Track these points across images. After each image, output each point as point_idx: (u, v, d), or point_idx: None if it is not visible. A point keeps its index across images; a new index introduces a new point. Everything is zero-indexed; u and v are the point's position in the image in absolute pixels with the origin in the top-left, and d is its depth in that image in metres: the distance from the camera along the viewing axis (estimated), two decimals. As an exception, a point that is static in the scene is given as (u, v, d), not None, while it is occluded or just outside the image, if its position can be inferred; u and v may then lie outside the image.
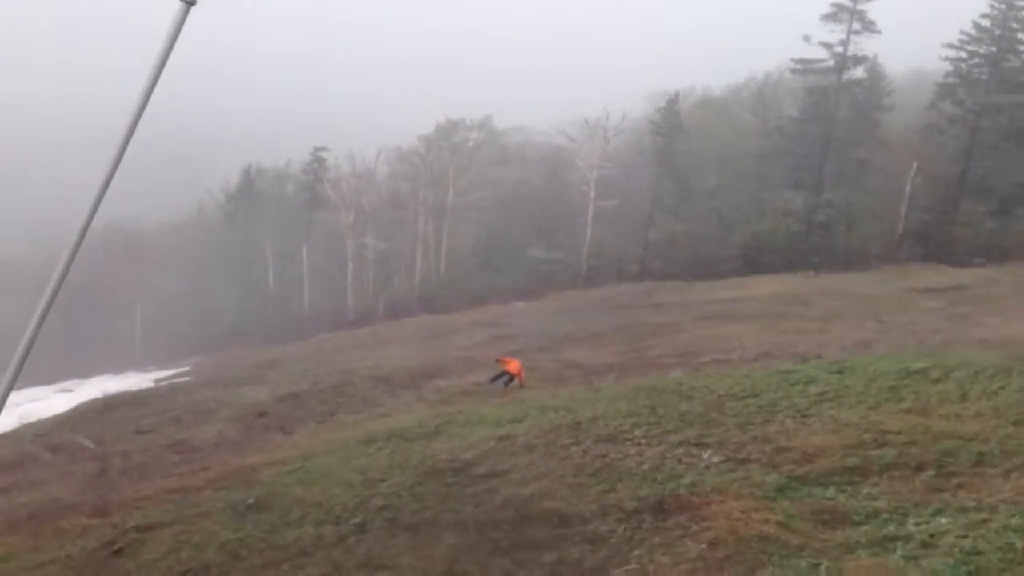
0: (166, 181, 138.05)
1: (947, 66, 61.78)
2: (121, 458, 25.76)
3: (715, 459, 15.14)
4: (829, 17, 61.44)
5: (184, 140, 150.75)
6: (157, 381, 60.40)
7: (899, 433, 14.44)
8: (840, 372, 19.64)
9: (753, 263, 61.00)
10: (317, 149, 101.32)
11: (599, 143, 72.72)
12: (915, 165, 57.04)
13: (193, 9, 3.56)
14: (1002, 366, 18.42)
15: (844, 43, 61.47)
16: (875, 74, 63.37)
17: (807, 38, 62.32)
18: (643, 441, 16.46)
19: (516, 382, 28.73)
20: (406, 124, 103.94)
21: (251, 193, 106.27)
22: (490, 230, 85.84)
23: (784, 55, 77.73)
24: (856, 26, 60.78)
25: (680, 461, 15.04)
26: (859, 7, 60.42)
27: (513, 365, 29.82)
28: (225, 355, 76.05)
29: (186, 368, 71.66)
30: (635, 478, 14.24)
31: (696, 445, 15.78)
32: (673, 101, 69.23)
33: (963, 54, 59.23)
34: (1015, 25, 57.10)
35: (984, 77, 58.10)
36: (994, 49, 57.87)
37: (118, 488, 22.25)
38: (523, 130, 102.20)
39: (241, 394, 33.34)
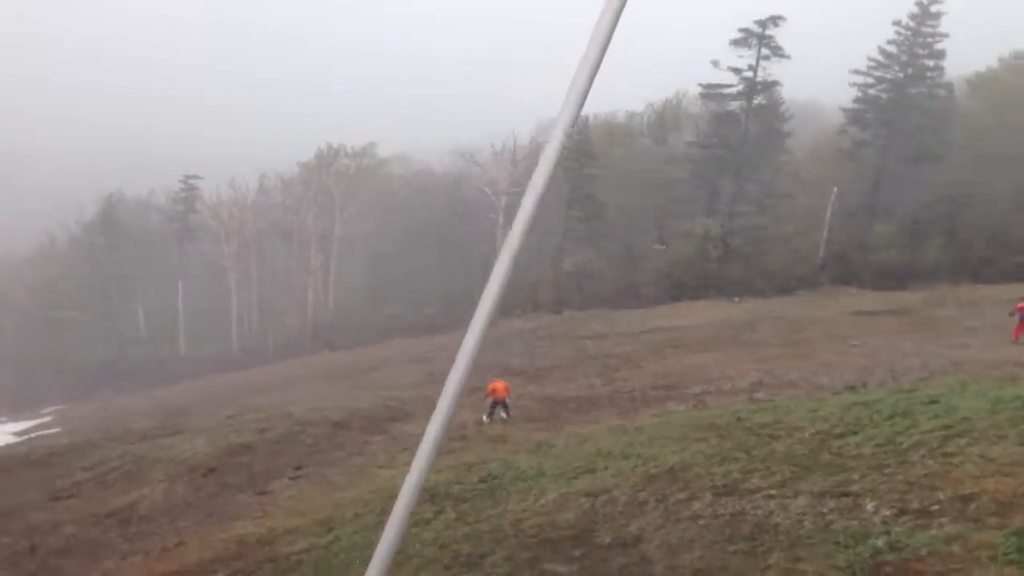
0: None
1: (840, 93, 62.74)
2: (51, 532, 21.22)
3: (885, 512, 12.72)
4: (738, 42, 61.23)
5: (25, 161, 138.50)
6: (20, 434, 53.93)
7: (1091, 473, 12.24)
8: (936, 402, 17.55)
9: (671, 290, 59.74)
10: (188, 177, 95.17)
11: (507, 168, 70.33)
12: (835, 190, 57.16)
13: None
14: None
15: (753, 68, 61.28)
16: (775, 100, 63.65)
17: (715, 63, 61.96)
18: (773, 492, 13.91)
19: (503, 412, 26.92)
20: (288, 149, 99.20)
21: (112, 224, 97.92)
22: (386, 260, 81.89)
23: (681, 81, 78.05)
24: (765, 51, 60.74)
25: (843, 515, 12.51)
26: (767, 32, 60.41)
27: (500, 388, 27.52)
28: (96, 403, 69.40)
29: (46, 419, 64.84)
30: (808, 542, 11.58)
31: (843, 495, 13.35)
32: (583, 127, 67.59)
33: (871, 79, 59.99)
34: (920, 51, 58.22)
35: (891, 102, 58.88)
36: (901, 75, 58.84)
37: (63, 574, 18.05)
38: (406, 158, 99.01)
39: (169, 447, 28.84)
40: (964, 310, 41.82)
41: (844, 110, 62.11)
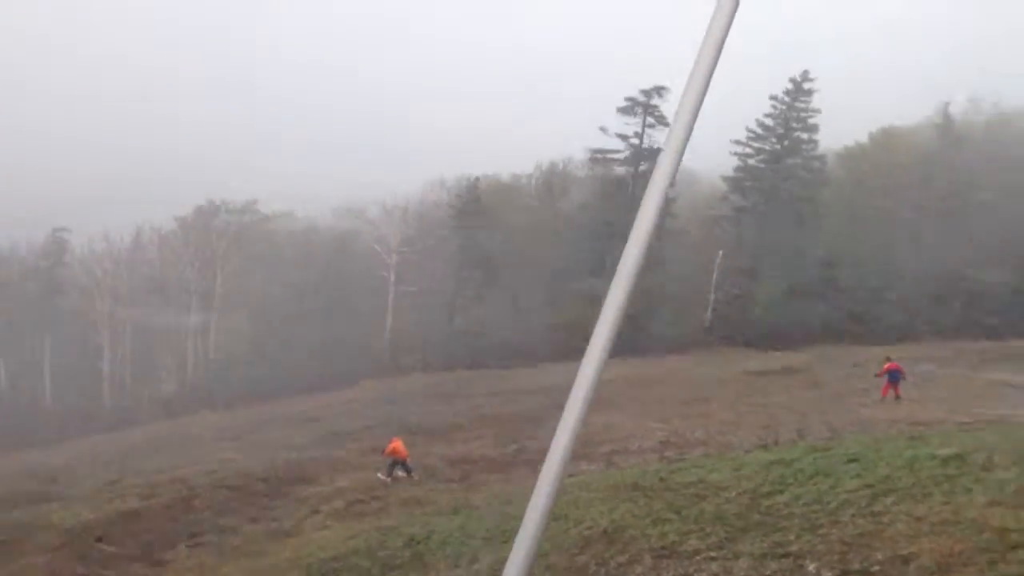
0: None
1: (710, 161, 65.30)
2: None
3: (827, 574, 12.83)
4: (624, 110, 63.13)
5: None
6: None
7: (1019, 531, 12.60)
8: (856, 461, 17.91)
9: (561, 349, 60.00)
10: (57, 229, 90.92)
11: (398, 226, 69.83)
12: (720, 253, 58.93)
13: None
14: (1010, 448, 17.62)
15: (639, 135, 63.17)
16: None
17: (604, 129, 63.66)
18: (714, 554, 13.90)
19: (402, 472, 26.68)
20: (163, 204, 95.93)
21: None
22: (269, 318, 79.69)
23: (568, 145, 79.64)
24: (650, 120, 62.75)
25: (789, 580, 12.61)
26: (652, 102, 62.50)
27: (399, 447, 27.37)
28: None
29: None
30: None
31: (783, 556, 13.50)
32: (473, 186, 68.04)
33: (750, 150, 62.60)
34: (795, 125, 61.20)
35: (769, 172, 61.55)
36: (778, 146, 61.63)
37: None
38: (289, 215, 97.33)
39: (46, 515, 26.89)
40: (850, 370, 43.38)
41: (725, 179, 64.49)
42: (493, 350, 62.77)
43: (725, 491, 17.23)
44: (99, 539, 23.09)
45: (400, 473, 26.65)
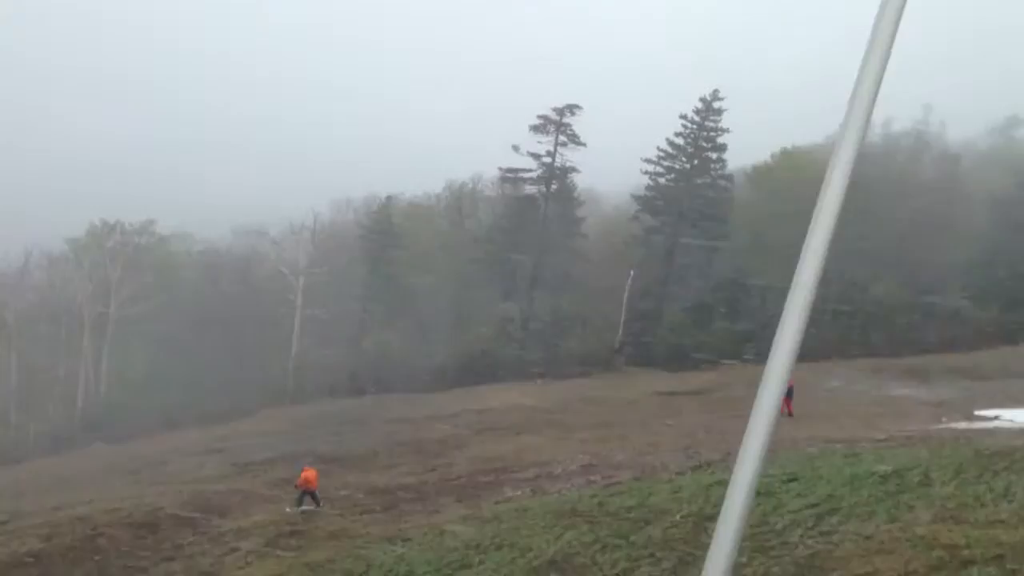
0: None
1: (612, 180, 65.92)
2: None
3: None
4: (537, 128, 63.13)
5: None
6: None
7: (968, 547, 12.54)
8: (796, 480, 17.78)
9: (472, 372, 59.41)
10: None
11: (306, 247, 68.05)
12: (632, 272, 59.24)
13: None
14: (945, 464, 17.79)
15: (552, 154, 63.23)
16: (569, 185, 65.89)
17: (516, 148, 63.45)
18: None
19: (314, 504, 25.98)
20: (55, 226, 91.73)
21: None
22: (167, 344, 76.65)
23: (477, 164, 79.37)
24: (562, 138, 62.89)
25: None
26: (564, 120, 62.65)
27: (312, 477, 26.50)
28: None
29: None
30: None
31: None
32: (385, 206, 66.88)
33: (660, 168, 63.19)
34: (704, 144, 62.07)
35: (679, 191, 62.18)
36: (687, 165, 62.36)
37: None
38: (188, 236, 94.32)
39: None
40: (756, 390, 43.82)
41: (635, 197, 64.96)
42: (402, 375, 61.56)
43: (667, 515, 16.86)
44: (-8, 587, 21.37)
45: (307, 506, 25.87)
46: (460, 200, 76.32)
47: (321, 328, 67.15)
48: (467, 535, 17.31)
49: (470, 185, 77.12)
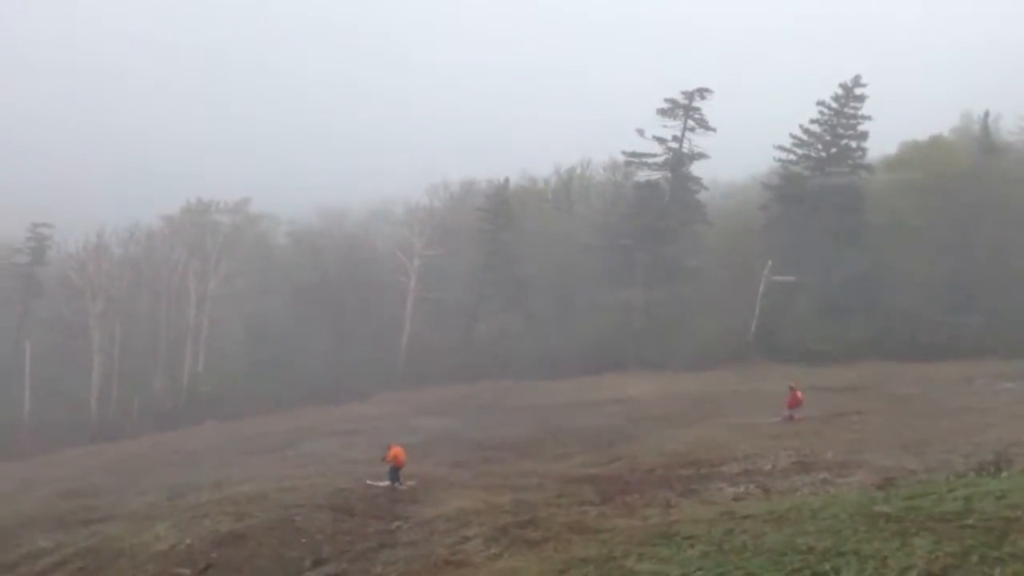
0: None
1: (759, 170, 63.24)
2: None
3: None
4: (664, 112, 60.78)
5: None
6: None
7: None
8: None
9: (594, 361, 57.38)
10: (37, 225, 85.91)
11: (423, 228, 66.34)
12: (769, 263, 56.65)
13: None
14: None
15: (679, 139, 60.84)
16: (693, 174, 63.42)
17: (640, 131, 61.21)
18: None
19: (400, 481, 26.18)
20: (147, 202, 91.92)
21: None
22: (267, 324, 75.78)
23: (585, 151, 77.29)
24: (690, 123, 60.49)
25: None
26: (694, 104, 60.26)
27: (400, 453, 26.68)
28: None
29: None
30: None
31: None
32: (503, 188, 65.04)
33: (793, 156, 60.47)
34: (842, 131, 59.17)
35: (813, 180, 59.36)
36: (824, 154, 59.55)
37: None
38: (274, 217, 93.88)
39: (120, 538, 23.52)
40: (926, 387, 41.26)
41: (766, 186, 62.29)
42: (518, 361, 59.80)
43: (1018, 522, 14.63)
44: (207, 567, 19.87)
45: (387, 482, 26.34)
46: (569, 185, 74.31)
47: (434, 312, 65.61)
48: (778, 538, 15.15)
49: (579, 170, 75.10)
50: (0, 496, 41.06)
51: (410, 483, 26.46)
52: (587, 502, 22.88)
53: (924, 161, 59.81)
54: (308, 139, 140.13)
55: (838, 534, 15.06)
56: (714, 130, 60.46)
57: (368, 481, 27.03)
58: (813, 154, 60.13)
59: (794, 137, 60.11)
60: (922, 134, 64.57)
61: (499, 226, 63.28)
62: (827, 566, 13.49)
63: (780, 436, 31.24)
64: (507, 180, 65.89)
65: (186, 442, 53.05)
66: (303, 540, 21.50)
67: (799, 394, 35.83)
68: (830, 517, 16.51)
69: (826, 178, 58.16)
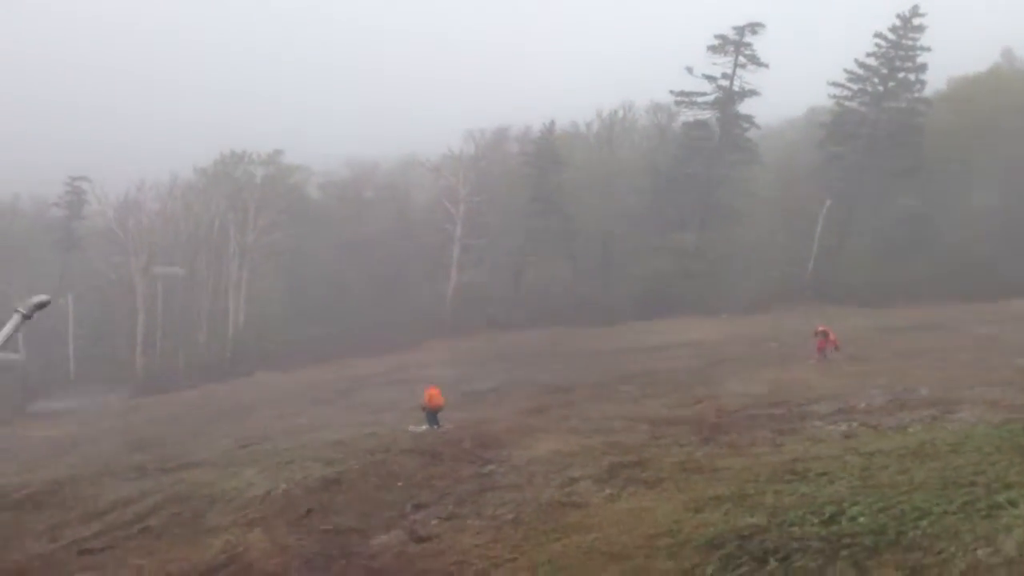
0: None
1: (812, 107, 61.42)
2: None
3: None
4: (714, 49, 58.98)
5: None
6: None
7: None
8: None
9: (645, 306, 56.47)
10: (75, 178, 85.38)
11: (467, 174, 65.18)
12: (828, 202, 55.26)
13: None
14: None
15: (729, 76, 59.10)
16: (743, 113, 61.63)
17: (689, 69, 59.56)
18: None
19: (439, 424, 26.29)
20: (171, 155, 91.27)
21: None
22: (308, 274, 75.32)
23: (623, 94, 75.66)
24: (741, 59, 58.68)
25: None
26: (745, 40, 58.41)
27: (437, 394, 26.97)
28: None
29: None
30: None
31: None
32: (548, 131, 63.61)
33: (847, 92, 58.67)
34: (900, 64, 57.26)
35: (869, 116, 57.63)
36: (881, 88, 57.70)
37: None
38: (305, 168, 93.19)
39: (210, 484, 23.00)
40: (1003, 325, 40.12)
41: (820, 124, 60.59)
42: (566, 308, 58.94)
43: None
44: (309, 511, 19.34)
45: (425, 426, 26.46)
46: (611, 129, 72.78)
47: (480, 258, 64.73)
48: (927, 473, 14.30)
49: (620, 113, 73.48)
50: (65, 447, 41.23)
51: (448, 426, 26.40)
52: (686, 443, 22.13)
53: (980, 95, 57.75)
54: (332, 87, 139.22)
55: (994, 466, 14.20)
56: (766, 66, 58.74)
57: (410, 428, 27.02)
58: (869, 88, 58.26)
59: (849, 72, 58.22)
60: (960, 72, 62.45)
61: (545, 170, 61.92)
62: (1000, 498, 12.67)
63: (864, 375, 30.37)
64: (552, 123, 64.47)
65: (237, 394, 52.87)
66: (399, 484, 20.91)
67: (831, 335, 35.25)
68: (974, 451, 15.66)
69: (883, 113, 56.30)
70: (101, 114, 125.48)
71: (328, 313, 70.54)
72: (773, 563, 11.40)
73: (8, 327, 3.00)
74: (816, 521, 12.74)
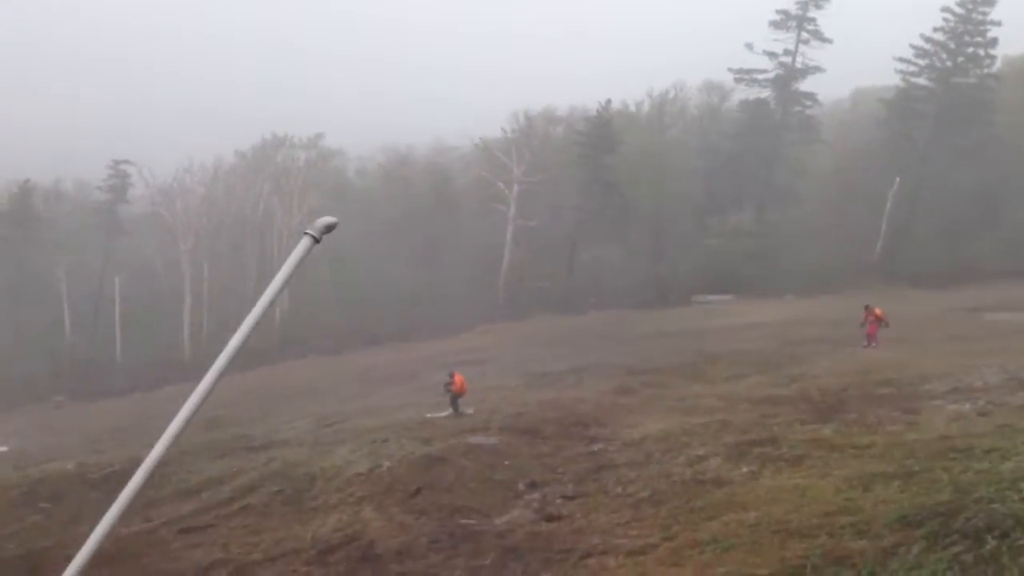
0: None
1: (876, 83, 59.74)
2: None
3: None
4: (776, 24, 57.43)
5: None
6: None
7: None
8: None
9: (704, 288, 55.22)
10: (119, 162, 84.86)
11: (521, 154, 63.91)
12: (897, 180, 53.64)
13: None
14: None
15: (791, 52, 57.54)
16: (804, 92, 60.01)
17: (749, 46, 58.03)
18: None
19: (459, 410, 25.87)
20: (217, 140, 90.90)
21: (28, 217, 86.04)
22: (354, 258, 74.48)
23: (677, 73, 74.40)
24: (804, 35, 57.11)
25: None
26: (808, 14, 56.84)
27: (463, 382, 26.66)
28: (33, 415, 60.18)
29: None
30: None
31: None
32: (604, 110, 62.26)
33: (913, 68, 56.96)
34: (968, 38, 55.49)
35: (937, 92, 55.93)
36: (949, 63, 55.96)
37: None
38: (343, 153, 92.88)
39: (305, 463, 22.36)
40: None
41: (882, 101, 58.88)
42: (622, 290, 57.74)
43: None
44: (418, 490, 18.52)
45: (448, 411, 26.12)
46: (662, 109, 71.37)
47: (533, 241, 63.55)
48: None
49: (671, 93, 72.05)
50: (125, 427, 40.80)
51: (468, 411, 25.95)
52: (804, 421, 21.05)
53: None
54: (365, 72, 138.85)
55: None
56: (831, 41, 57.04)
57: (427, 414, 26.61)
58: (937, 64, 56.48)
59: (915, 47, 56.48)
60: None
61: (601, 151, 60.59)
62: None
63: (967, 353, 29.10)
64: (608, 102, 63.04)
65: (293, 376, 52.25)
66: (505, 463, 20.03)
67: (879, 313, 33.64)
68: None
69: (951, 89, 54.57)
70: (138, 107, 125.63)
71: (374, 297, 69.81)
72: (992, 541, 10.37)
73: (297, 252, 2.38)
74: (1017, 498, 11.72)
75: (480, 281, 64.32)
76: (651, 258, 59.55)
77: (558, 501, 16.94)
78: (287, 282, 2.80)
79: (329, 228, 3.00)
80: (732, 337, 39.40)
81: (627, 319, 51.01)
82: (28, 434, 52.48)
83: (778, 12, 57.37)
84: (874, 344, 32.91)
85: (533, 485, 18.69)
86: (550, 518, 16.20)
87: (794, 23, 57.29)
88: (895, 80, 58.02)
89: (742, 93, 63.12)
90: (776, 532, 12.69)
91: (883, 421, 20.02)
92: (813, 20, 57.15)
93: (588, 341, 44.95)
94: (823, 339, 36.00)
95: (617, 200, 60.10)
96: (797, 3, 56.97)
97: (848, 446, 17.37)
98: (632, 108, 71.32)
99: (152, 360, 72.42)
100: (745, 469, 16.71)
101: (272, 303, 2.73)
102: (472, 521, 16.74)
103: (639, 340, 42.91)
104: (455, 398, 26.20)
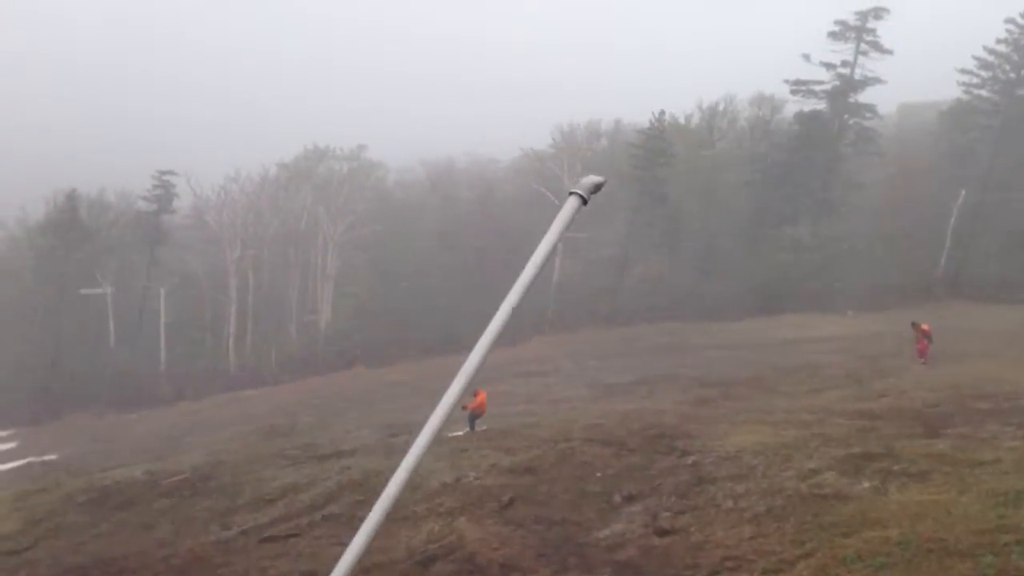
0: None
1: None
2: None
3: None
4: (835, 35, 56.37)
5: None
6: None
7: None
8: None
9: (762, 302, 53.94)
10: (163, 172, 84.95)
11: (572, 166, 62.96)
12: (963, 193, 52.29)
13: None
14: None
15: (850, 64, 56.38)
16: (861, 104, 58.73)
17: (806, 57, 56.99)
18: None
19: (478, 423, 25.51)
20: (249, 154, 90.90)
21: (74, 227, 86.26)
22: (405, 270, 74.01)
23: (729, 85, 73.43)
24: (863, 46, 55.97)
25: None
26: (867, 25, 55.70)
27: (485, 401, 25.78)
28: (74, 424, 60.13)
29: (11, 444, 55.44)
30: None
31: None
32: (659, 120, 61.29)
33: (976, 80, 55.66)
34: (1033, 51, 54.18)
35: (1000, 104, 54.54)
36: (1013, 75, 54.58)
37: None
38: (381, 166, 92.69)
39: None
40: None
41: (943, 113, 57.63)
42: (674, 304, 56.59)
43: None
44: (511, 501, 17.72)
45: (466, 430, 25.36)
46: (712, 122, 70.33)
47: (583, 254, 62.63)
48: None
49: (721, 106, 71.00)
50: (176, 436, 40.32)
51: (482, 428, 25.39)
52: (912, 436, 20.01)
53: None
54: (408, 85, 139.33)
55: None
56: (891, 52, 55.83)
57: (450, 435, 25.06)
58: (1001, 76, 55.16)
59: (977, 59, 55.23)
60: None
61: (654, 163, 59.62)
62: None
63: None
64: (662, 113, 62.16)
65: (344, 387, 51.71)
66: (597, 475, 19.15)
67: (926, 328, 32.90)
68: None
69: (1015, 102, 53.19)
70: (172, 122, 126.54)
71: (419, 308, 69.09)
72: None
73: (565, 212, 1.83)
74: None
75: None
76: (701, 271, 58.37)
77: (666, 515, 16.06)
78: (556, 244, 2.63)
79: (597, 187, 2.76)
80: (799, 351, 38.33)
81: (682, 331, 49.99)
82: (75, 443, 52.48)
83: (836, 23, 56.31)
84: (923, 361, 31.94)
85: (631, 498, 17.83)
86: (662, 532, 15.32)
87: (853, 34, 56.13)
88: (939, 94, 56.98)
89: (793, 106, 61.97)
90: (931, 551, 11.75)
91: (999, 436, 19.01)
92: (873, 31, 55.99)
93: (647, 353, 44.06)
94: (899, 353, 34.82)
95: (668, 212, 59.11)
96: (856, 14, 55.84)
97: (972, 462, 16.37)
98: (681, 120, 70.34)
99: (196, 370, 72.26)
100: (867, 484, 15.74)
101: (541, 266, 2.60)
102: (569, 532, 15.99)
103: (702, 352, 41.96)
104: (473, 417, 25.43)
